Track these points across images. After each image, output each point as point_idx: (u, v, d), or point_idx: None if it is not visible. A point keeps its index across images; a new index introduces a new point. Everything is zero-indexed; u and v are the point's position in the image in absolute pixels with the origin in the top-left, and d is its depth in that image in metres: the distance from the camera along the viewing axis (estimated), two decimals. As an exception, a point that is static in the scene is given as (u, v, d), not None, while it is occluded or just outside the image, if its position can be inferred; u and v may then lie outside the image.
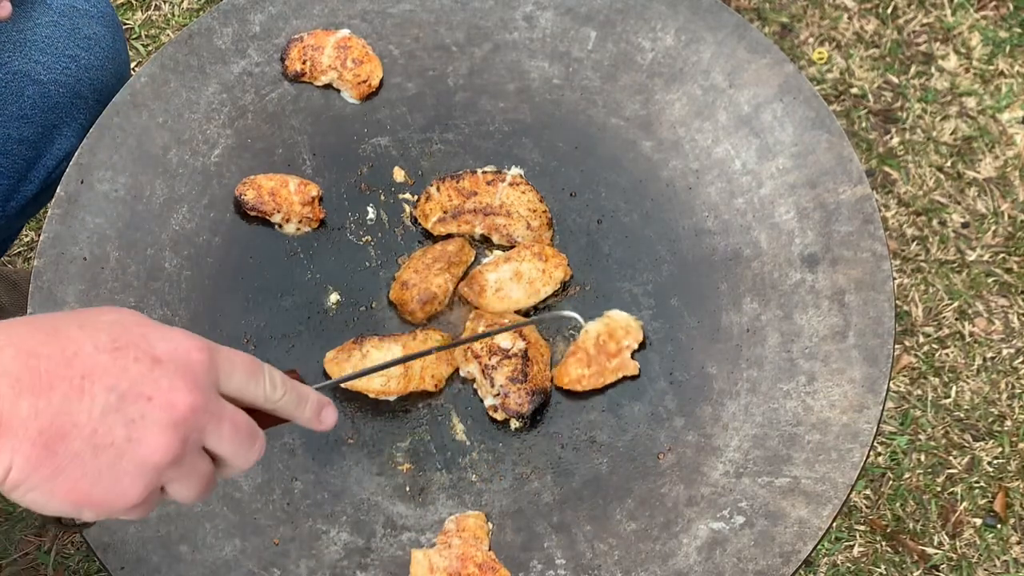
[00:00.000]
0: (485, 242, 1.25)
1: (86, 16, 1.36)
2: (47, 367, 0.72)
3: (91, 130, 1.25)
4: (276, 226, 1.25)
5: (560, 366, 1.17)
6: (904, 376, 1.96)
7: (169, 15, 2.22)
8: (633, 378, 1.17)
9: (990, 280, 2.04)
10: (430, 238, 1.25)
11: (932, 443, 1.92)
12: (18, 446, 0.71)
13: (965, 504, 1.87)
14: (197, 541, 1.09)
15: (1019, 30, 2.26)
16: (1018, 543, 1.86)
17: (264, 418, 0.84)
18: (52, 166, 1.35)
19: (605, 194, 1.27)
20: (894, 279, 1.60)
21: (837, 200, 1.23)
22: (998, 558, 1.84)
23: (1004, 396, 1.96)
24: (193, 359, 0.77)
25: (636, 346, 1.17)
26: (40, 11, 1.33)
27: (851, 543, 1.84)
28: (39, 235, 1.42)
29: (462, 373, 1.18)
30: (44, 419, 0.71)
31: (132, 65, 2.10)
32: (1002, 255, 2.06)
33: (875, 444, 1.89)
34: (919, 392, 1.96)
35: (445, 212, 1.23)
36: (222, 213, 1.25)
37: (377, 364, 1.02)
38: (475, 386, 1.18)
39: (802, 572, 1.79)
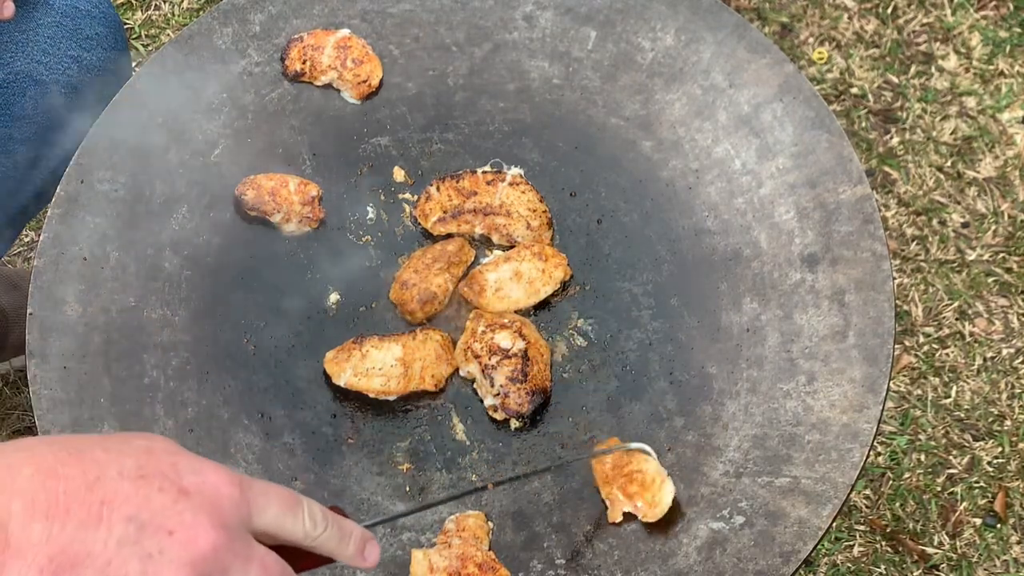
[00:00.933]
0: (485, 242, 1.25)
1: (88, 17, 1.36)
2: (66, 489, 0.68)
3: (91, 130, 1.25)
4: (276, 226, 1.25)
5: (608, 443, 1.12)
6: (904, 376, 1.96)
7: (169, 15, 2.22)
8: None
9: (990, 280, 2.04)
10: (430, 238, 1.25)
11: (932, 443, 1.92)
12: (25, 571, 0.67)
13: (965, 504, 1.87)
14: (197, 541, 1.09)
15: (1019, 30, 2.26)
16: (1018, 543, 1.85)
17: (299, 557, 0.79)
18: (53, 166, 1.35)
19: (605, 194, 1.27)
20: (894, 279, 1.61)
21: (837, 200, 1.23)
22: (998, 558, 1.84)
23: (1004, 396, 1.96)
24: (223, 493, 0.73)
25: (640, 516, 1.09)
26: (42, 12, 1.33)
27: (851, 543, 1.84)
28: (39, 235, 1.42)
29: (462, 373, 1.18)
30: (56, 545, 0.67)
31: (132, 65, 2.10)
32: (1002, 255, 2.06)
33: (875, 444, 1.89)
34: (919, 392, 1.96)
35: (445, 212, 1.23)
36: (222, 213, 1.25)
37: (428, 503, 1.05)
38: (475, 386, 1.18)
39: (802, 572, 1.79)
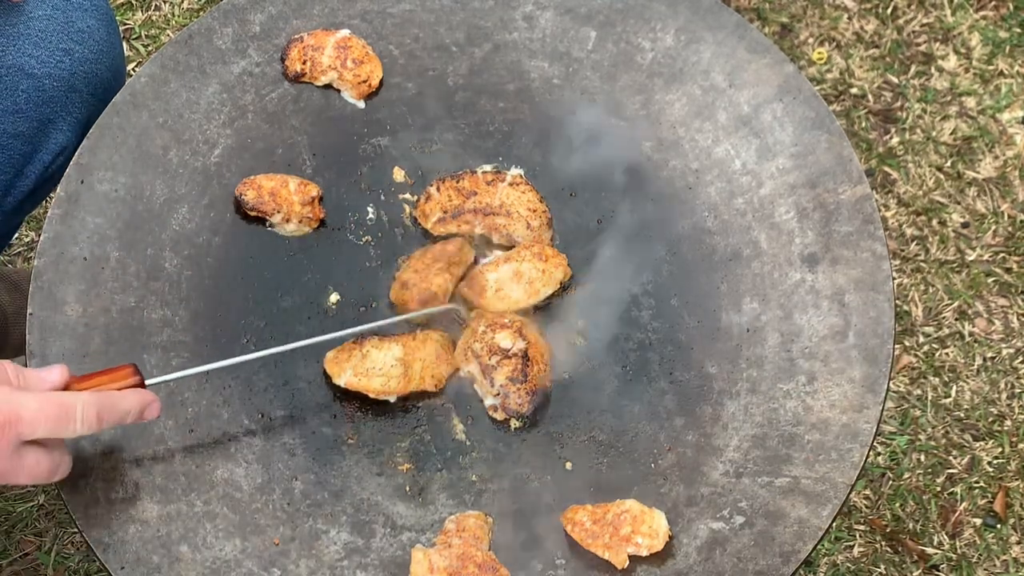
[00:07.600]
0: (485, 242, 1.25)
1: (80, 9, 1.35)
2: None
3: (91, 130, 1.25)
4: (276, 226, 1.25)
5: (577, 508, 1.11)
6: (904, 376, 1.96)
7: (169, 15, 2.22)
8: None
9: (990, 280, 2.04)
10: (430, 238, 1.25)
11: (932, 443, 1.92)
12: None
13: (965, 504, 1.87)
14: (197, 541, 1.09)
15: (1019, 30, 2.26)
16: (1018, 543, 1.86)
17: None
18: (48, 160, 1.35)
19: (605, 194, 1.27)
20: (894, 279, 1.61)
21: (837, 200, 1.23)
22: (998, 558, 1.84)
23: (1004, 396, 1.96)
24: None
25: (645, 551, 1.07)
26: (33, 4, 1.32)
27: (851, 543, 1.84)
28: (39, 235, 1.42)
29: (462, 373, 1.18)
30: None
31: (132, 65, 2.10)
32: (1002, 255, 2.06)
33: (875, 444, 1.89)
34: (919, 392, 1.96)
35: (445, 212, 1.23)
36: (222, 213, 1.25)
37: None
38: (475, 386, 1.18)
39: (802, 572, 1.79)
